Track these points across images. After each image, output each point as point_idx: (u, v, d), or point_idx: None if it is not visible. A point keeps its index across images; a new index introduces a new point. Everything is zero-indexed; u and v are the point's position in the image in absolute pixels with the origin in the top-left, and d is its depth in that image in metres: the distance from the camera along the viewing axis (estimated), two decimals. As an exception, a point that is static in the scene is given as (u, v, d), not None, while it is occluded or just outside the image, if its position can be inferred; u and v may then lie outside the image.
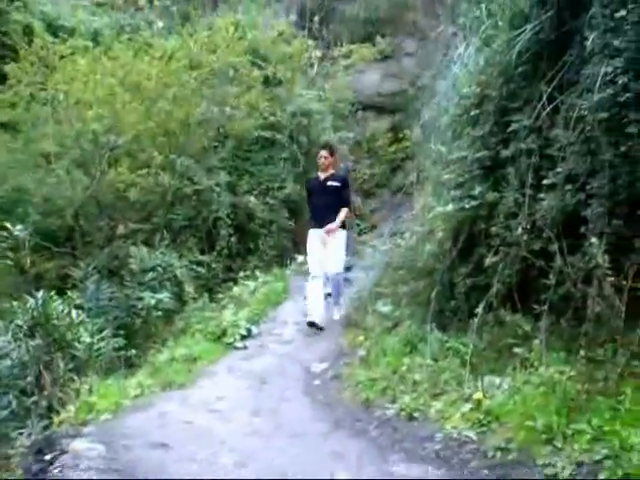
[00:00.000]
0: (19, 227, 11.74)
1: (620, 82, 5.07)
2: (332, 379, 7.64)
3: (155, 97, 14.77)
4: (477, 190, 6.65)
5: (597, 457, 4.02)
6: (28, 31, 17.16)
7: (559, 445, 4.36)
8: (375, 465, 4.87)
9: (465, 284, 6.70)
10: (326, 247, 10.32)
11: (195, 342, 9.69)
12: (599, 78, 5.30)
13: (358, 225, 20.19)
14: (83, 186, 14.45)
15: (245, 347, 9.62)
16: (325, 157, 10.73)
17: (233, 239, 14.80)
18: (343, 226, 10.52)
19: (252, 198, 16.11)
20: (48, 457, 5.37)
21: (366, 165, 23.08)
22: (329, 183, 10.59)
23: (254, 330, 10.29)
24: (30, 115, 15.44)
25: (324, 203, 10.48)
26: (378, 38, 22.63)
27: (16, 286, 13.00)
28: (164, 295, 12.35)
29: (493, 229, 6.34)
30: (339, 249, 10.38)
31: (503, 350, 5.92)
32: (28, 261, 13.08)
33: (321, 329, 9.96)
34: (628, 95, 5.03)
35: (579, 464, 4.08)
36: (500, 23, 7.22)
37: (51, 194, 14.56)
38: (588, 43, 5.53)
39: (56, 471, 4.63)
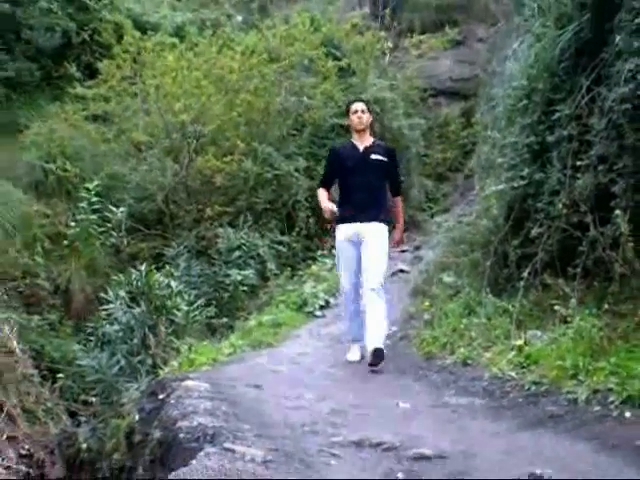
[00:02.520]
0: (121, 209, 13.00)
1: (639, 78, 5.97)
2: (401, 339, 8.74)
3: (237, 89, 15.90)
4: (526, 171, 7.58)
5: (610, 385, 4.97)
6: (117, 29, 18.54)
7: (582, 379, 5.32)
8: (432, 398, 5.94)
9: (516, 254, 7.62)
10: (364, 249, 7.52)
11: (279, 311, 10.81)
12: (623, 74, 6.20)
13: (430, 208, 21.02)
14: (172, 173, 15.67)
15: (324, 315, 10.71)
16: (363, 111, 7.82)
17: (311, 220, 15.66)
18: (384, 218, 7.73)
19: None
20: (161, 397, 6.52)
21: (439, 150, 23.70)
22: (373, 156, 7.70)
23: (331, 301, 11.34)
24: (122, 108, 16.77)
25: (365, 185, 7.60)
26: (447, 28, 23.28)
27: (112, 265, 14.29)
28: (249, 272, 13.48)
29: (539, 205, 7.26)
30: (381, 251, 7.53)
31: (546, 309, 6.85)
32: (125, 242, 14.40)
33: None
34: (645, 88, 5.93)
35: (595, 391, 5.04)
36: (548, 22, 8.13)
37: (143, 180, 15.84)
38: (616, 43, 6.44)
39: (172, 402, 5.74)
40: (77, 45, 19.57)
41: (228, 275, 13.38)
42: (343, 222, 7.69)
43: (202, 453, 4.02)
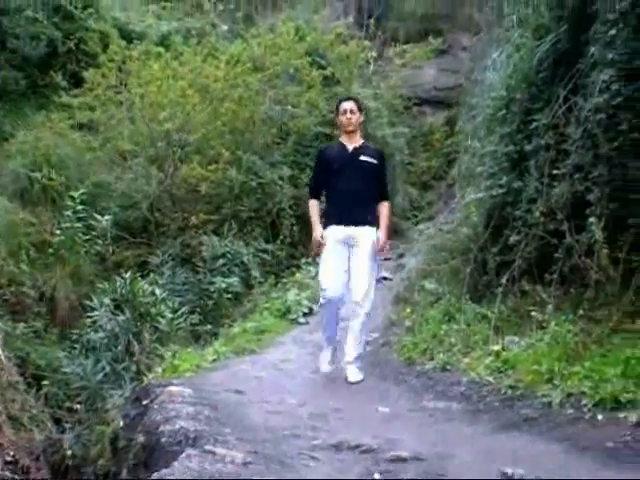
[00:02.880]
0: (106, 217, 13.08)
1: (613, 88, 6.11)
2: (382, 345, 8.87)
3: (222, 98, 16.03)
4: (504, 180, 7.73)
5: (583, 389, 5.09)
6: (103, 37, 18.66)
7: (557, 383, 5.44)
8: (410, 402, 6.06)
9: (495, 261, 7.77)
10: (354, 257, 7.12)
11: (263, 318, 10.93)
12: (598, 85, 6.35)
13: (415, 216, 21.19)
14: (157, 181, 15.79)
15: (307, 322, 10.82)
16: (352, 111, 7.31)
17: (295, 228, 15.72)
18: (372, 221, 7.29)
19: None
20: (144, 402, 6.61)
21: (423, 158, 23.89)
22: (363, 157, 7.28)
23: (315, 308, 11.44)
24: (108, 116, 16.86)
25: (354, 187, 7.14)
26: (430, 38, 23.50)
27: (97, 273, 14.37)
28: (233, 280, 13.60)
29: (517, 213, 7.40)
30: (371, 259, 7.13)
31: (524, 315, 6.98)
32: (110, 250, 14.49)
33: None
34: (619, 99, 6.07)
35: (569, 395, 5.16)
36: (526, 33, 8.28)
37: (128, 189, 15.95)
38: (591, 54, 6.59)
39: (155, 407, 5.82)
40: (63, 54, 19.60)
41: (212, 283, 13.50)
42: (331, 224, 7.23)
43: (183, 455, 4.11)
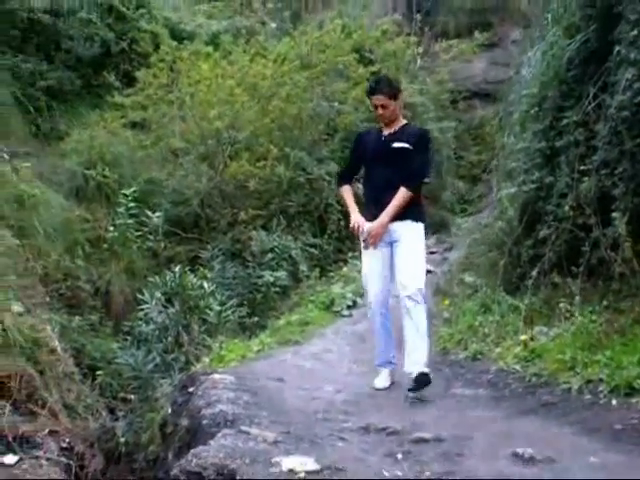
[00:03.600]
0: (157, 214, 13.53)
1: (635, 87, 6.33)
2: (421, 336, 9.13)
3: (270, 96, 16.35)
4: (536, 175, 7.96)
5: (601, 376, 5.36)
6: (154, 38, 19.17)
7: (578, 370, 5.71)
8: (440, 389, 6.35)
9: (528, 254, 8.01)
10: (396, 253, 6.35)
11: (308, 310, 11.25)
12: (623, 83, 6.57)
13: (465, 210, 21.37)
14: (208, 178, 16.17)
15: (350, 315, 11.11)
16: (383, 106, 6.46)
17: (342, 223, 15.91)
18: (416, 215, 6.42)
19: (359, 185, 17.50)
20: (190, 390, 7.00)
21: (473, 152, 24.01)
22: (396, 144, 6.41)
23: (359, 301, 11.74)
24: (159, 115, 17.31)
25: (387, 178, 6.34)
26: (477, 33, 23.62)
27: (150, 268, 14.82)
28: (281, 273, 13.92)
29: (548, 207, 7.64)
30: (417, 252, 6.32)
31: (554, 306, 7.22)
32: (162, 245, 14.95)
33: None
34: (640, 98, 6.30)
35: (588, 382, 5.44)
36: (559, 32, 8.50)
37: (180, 185, 16.35)
38: (615, 53, 6.81)
39: (199, 393, 6.20)
40: (116, 54, 20.08)
41: (261, 276, 13.83)
42: (366, 220, 6.41)
43: (220, 434, 4.47)
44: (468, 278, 9.95)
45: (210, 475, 3.85)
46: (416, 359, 6.12)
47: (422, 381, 6.01)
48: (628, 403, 4.88)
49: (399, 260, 6.29)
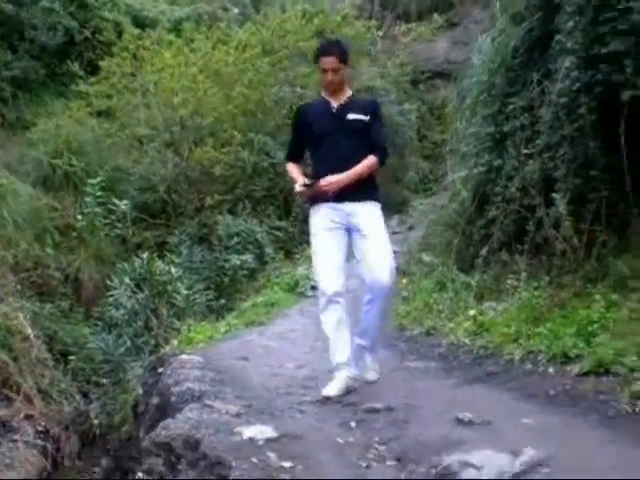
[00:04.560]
0: (124, 202, 13.84)
1: (573, 75, 6.73)
2: (380, 314, 9.55)
3: (233, 82, 16.73)
4: (486, 158, 8.37)
5: (541, 347, 5.78)
6: (117, 26, 19.38)
7: (522, 342, 6.13)
8: (394, 363, 6.76)
9: (480, 234, 8.43)
10: (358, 241, 5.65)
11: (273, 292, 11.66)
12: (562, 71, 6.97)
13: (430, 189, 21.80)
14: (173, 164, 16.56)
15: (314, 295, 11.46)
16: (334, 70, 5.59)
17: (307, 205, 16.37)
18: (374, 194, 5.79)
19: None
20: (160, 370, 7.36)
21: (438, 131, 24.41)
22: (351, 116, 5.69)
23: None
24: (124, 103, 17.60)
25: (343, 154, 5.62)
26: (435, 15, 24.00)
27: (119, 254, 15.14)
28: (247, 257, 14.35)
29: (497, 189, 8.05)
30: (385, 239, 5.68)
31: (503, 282, 7.64)
32: (130, 232, 15.25)
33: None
34: (579, 85, 6.69)
35: (529, 352, 5.86)
36: (506, 20, 8.89)
37: (146, 172, 16.73)
38: (552, 43, 7.22)
39: (168, 372, 6.57)
40: (79, 43, 20.30)
41: (228, 260, 14.23)
42: (320, 201, 5.68)
43: (186, 408, 4.85)
44: (425, 257, 10.36)
45: (178, 445, 4.22)
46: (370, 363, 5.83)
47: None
48: (563, 370, 5.29)
49: (369, 249, 5.56)
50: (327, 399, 5.46)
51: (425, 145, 23.83)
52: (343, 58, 5.65)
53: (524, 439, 3.98)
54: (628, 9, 6.28)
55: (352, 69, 6.52)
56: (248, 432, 4.30)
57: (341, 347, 5.65)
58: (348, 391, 5.56)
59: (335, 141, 5.68)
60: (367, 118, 5.72)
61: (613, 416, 4.31)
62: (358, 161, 5.61)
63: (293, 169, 5.93)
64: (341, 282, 5.64)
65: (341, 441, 4.40)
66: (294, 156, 6.07)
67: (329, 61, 5.60)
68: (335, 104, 5.73)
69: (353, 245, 5.70)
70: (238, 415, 4.75)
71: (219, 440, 4.17)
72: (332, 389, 5.54)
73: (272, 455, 3.98)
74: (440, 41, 26.26)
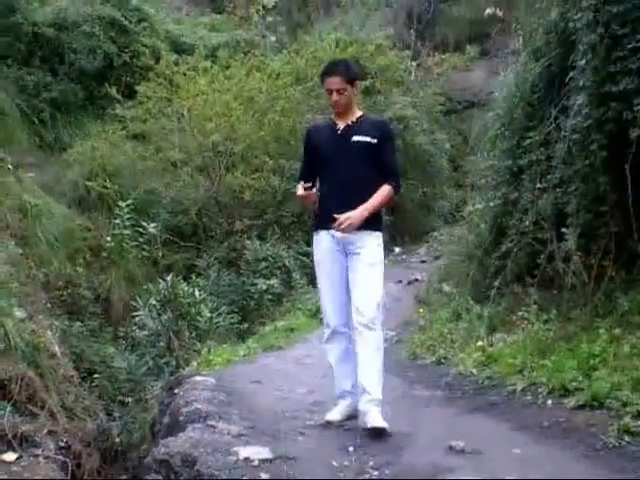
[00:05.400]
0: (152, 225, 14.11)
1: (584, 112, 6.86)
2: (396, 342, 9.68)
3: (265, 109, 16.99)
4: (503, 191, 8.51)
5: (543, 379, 5.89)
6: (155, 51, 19.78)
7: (526, 374, 6.24)
8: (402, 391, 6.89)
9: (495, 266, 8.54)
10: (351, 270, 5.46)
11: (295, 317, 11.82)
12: (574, 108, 7.10)
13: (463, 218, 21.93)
14: (205, 188, 16.83)
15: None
16: (339, 91, 5.42)
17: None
18: (377, 224, 5.50)
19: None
20: (175, 391, 7.54)
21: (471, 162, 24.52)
22: (356, 137, 5.45)
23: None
24: (159, 127, 17.93)
25: (346, 178, 5.42)
26: (468, 46, 24.19)
27: (149, 275, 15.38)
28: (274, 281, 14.52)
29: (512, 222, 8.18)
30: (376, 272, 5.42)
31: (515, 314, 7.76)
32: (160, 253, 15.52)
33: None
34: (590, 121, 6.82)
35: (532, 384, 5.98)
36: (529, 55, 9.05)
37: (178, 196, 17.01)
38: (567, 79, 7.36)
39: (181, 393, 6.75)
40: (118, 67, 20.73)
41: (255, 284, 14.41)
42: (321, 228, 5.55)
43: (189, 427, 5.02)
44: (445, 287, 10.49)
45: (176, 462, 4.40)
46: (371, 396, 5.28)
47: (377, 433, 5.17)
48: (561, 403, 5.41)
49: (355, 280, 5.42)
50: (329, 423, 5.52)
51: (459, 175, 23.98)
52: (349, 78, 5.49)
53: (510, 469, 4.12)
54: (639, 48, 6.41)
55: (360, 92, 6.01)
56: (244, 452, 4.46)
57: (344, 376, 5.64)
58: (350, 417, 5.55)
59: (339, 163, 5.45)
60: (374, 140, 5.45)
61: (599, 449, 4.43)
62: (363, 185, 5.38)
63: (299, 187, 5.55)
64: (345, 314, 5.52)
65: (336, 464, 4.55)
66: (305, 180, 5.65)
67: (333, 81, 5.45)
68: (341, 125, 5.55)
69: (348, 270, 5.48)
70: (239, 436, 4.91)
71: (215, 459, 4.34)
72: (334, 414, 5.59)
73: (264, 475, 4.14)
74: (477, 71, 26.42)
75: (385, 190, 5.42)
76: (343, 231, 5.26)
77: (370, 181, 5.41)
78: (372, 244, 5.43)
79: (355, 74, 5.65)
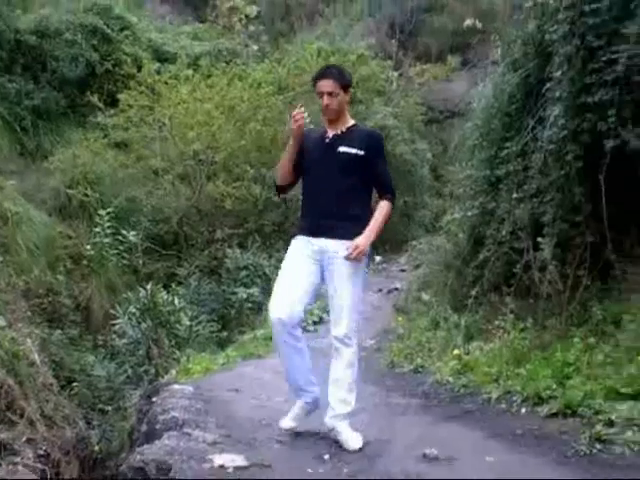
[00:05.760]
0: (133, 233, 14.11)
1: (560, 123, 6.94)
2: (375, 351, 9.73)
3: (247, 118, 17.04)
4: (480, 201, 8.57)
5: (517, 387, 5.95)
6: (137, 59, 19.82)
7: (501, 382, 6.30)
8: (379, 399, 6.93)
9: (473, 275, 8.60)
10: (329, 280, 5.30)
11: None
12: (550, 119, 7.18)
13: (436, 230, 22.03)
14: (186, 197, 16.85)
15: (316, 330, 11.66)
16: (330, 94, 5.24)
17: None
18: (355, 233, 5.23)
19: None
20: (153, 399, 7.55)
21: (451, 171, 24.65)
22: (342, 148, 5.28)
23: (325, 317, 12.28)
24: (140, 136, 17.94)
25: (327, 187, 5.30)
26: (449, 57, 24.35)
27: (130, 284, 15.37)
28: (255, 290, 14.53)
29: (489, 231, 8.24)
30: (353, 286, 5.27)
31: (491, 323, 7.81)
32: (140, 262, 15.51)
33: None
34: (565, 132, 6.89)
35: (507, 392, 6.04)
36: (507, 66, 9.12)
37: (159, 204, 17.01)
38: (544, 90, 7.44)
39: (158, 401, 6.76)
40: (100, 75, 20.73)
41: (235, 293, 14.42)
42: (299, 234, 5.45)
43: (165, 435, 5.04)
44: (424, 296, 10.54)
45: (151, 469, 4.42)
46: (334, 412, 5.30)
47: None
48: (535, 411, 5.49)
49: (331, 291, 5.35)
50: (287, 430, 5.45)
51: (440, 184, 24.09)
52: (342, 83, 5.29)
53: (482, 476, 4.16)
54: (614, 60, 6.48)
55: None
56: (219, 460, 4.49)
57: (294, 376, 5.55)
58: (306, 416, 5.53)
59: (321, 173, 5.30)
60: (361, 152, 5.25)
61: (570, 456, 4.49)
62: (343, 198, 5.25)
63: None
64: (295, 309, 5.26)
65: (311, 471, 4.59)
66: (282, 187, 5.73)
67: (326, 84, 5.25)
68: (330, 134, 5.38)
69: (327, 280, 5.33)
70: (214, 444, 4.94)
71: (190, 467, 4.37)
72: (287, 422, 5.52)
73: (238, 483, 4.17)
74: (458, 81, 26.56)
75: (384, 208, 5.31)
76: (355, 259, 5.13)
77: (351, 194, 5.29)
78: (354, 266, 5.22)
79: (348, 80, 5.43)
